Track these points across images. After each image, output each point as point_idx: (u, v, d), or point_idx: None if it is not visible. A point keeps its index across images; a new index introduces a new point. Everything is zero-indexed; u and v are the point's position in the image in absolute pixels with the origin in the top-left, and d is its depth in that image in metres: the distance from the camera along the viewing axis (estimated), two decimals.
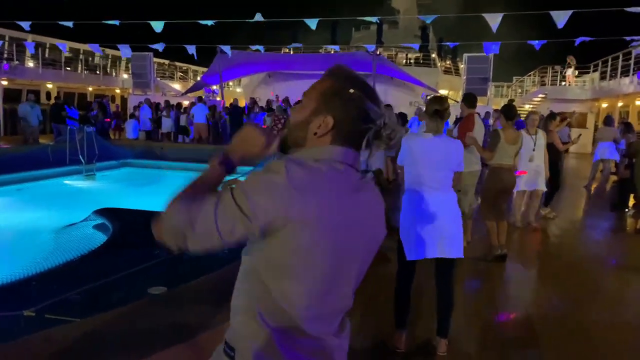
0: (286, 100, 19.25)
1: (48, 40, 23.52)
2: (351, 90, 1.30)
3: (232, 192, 1.15)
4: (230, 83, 31.29)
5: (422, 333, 3.75)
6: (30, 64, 23.51)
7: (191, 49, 16.99)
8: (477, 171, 6.06)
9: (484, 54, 18.44)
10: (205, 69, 27.68)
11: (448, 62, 29.35)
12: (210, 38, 17.97)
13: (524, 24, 30.09)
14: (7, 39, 21.91)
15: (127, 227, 6.16)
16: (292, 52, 26.10)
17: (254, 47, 19.08)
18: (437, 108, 3.36)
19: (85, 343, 2.38)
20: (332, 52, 26.14)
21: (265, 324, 1.20)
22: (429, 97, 4.29)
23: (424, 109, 3.52)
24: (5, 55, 22.00)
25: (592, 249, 6.87)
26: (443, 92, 25.76)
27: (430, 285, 3.61)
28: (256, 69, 25.80)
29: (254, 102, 19.06)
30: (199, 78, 29.79)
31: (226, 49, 18.03)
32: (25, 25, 13.55)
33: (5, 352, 2.25)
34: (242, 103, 22.77)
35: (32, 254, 5.33)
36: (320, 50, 26.45)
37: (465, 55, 20.19)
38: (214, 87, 26.39)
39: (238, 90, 31.50)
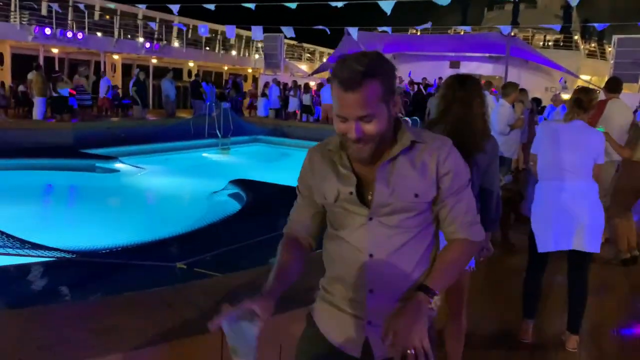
0: (411, 82, 19.00)
1: (191, 22, 25.53)
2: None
3: None
4: None
5: (550, 326, 3.60)
6: (176, 44, 25.74)
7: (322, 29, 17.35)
8: (609, 163, 5.47)
9: (638, 35, 16.54)
10: (332, 51, 28.18)
11: (593, 45, 26.71)
12: (339, 20, 18.21)
13: None
14: (157, 20, 24.20)
15: (259, 197, 6.63)
16: (419, 34, 25.52)
17: (380, 29, 19.01)
18: (579, 97, 3.16)
19: (227, 295, 2.66)
20: (462, 33, 25.12)
21: None
22: (576, 88, 3.97)
23: (560, 94, 3.34)
24: (156, 36, 24.32)
25: None
26: (585, 77, 23.55)
27: (562, 278, 3.45)
28: (382, 51, 25.69)
29: None
30: (325, 59, 30.42)
31: (354, 30, 18.19)
32: (175, 8, 14.82)
33: (168, 295, 2.60)
34: None
35: (181, 216, 5.98)
36: (449, 31, 25.54)
37: (615, 37, 18.23)
38: None
39: None
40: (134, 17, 23.84)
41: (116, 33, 21.87)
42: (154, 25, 22.40)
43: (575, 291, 3.33)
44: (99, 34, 21.55)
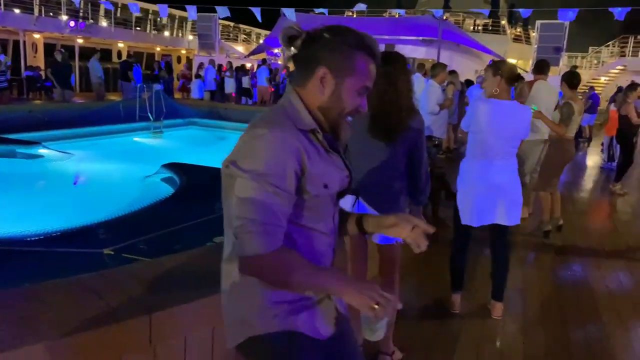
0: None
1: (120, 0, 24.30)
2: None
3: None
4: None
5: (477, 297, 3.78)
6: (104, 23, 24.44)
7: (256, 12, 17.08)
8: (539, 141, 5.80)
9: (558, 21, 17.43)
10: (268, 32, 27.78)
11: (518, 30, 27.90)
12: (275, 1, 17.95)
13: None
14: None
15: (193, 181, 6.47)
16: (355, 16, 25.63)
17: (317, 10, 18.92)
18: (519, 73, 3.27)
19: (156, 279, 2.58)
20: (397, 17, 25.46)
21: None
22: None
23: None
24: (81, 14, 22.97)
25: None
26: (512, 61, 24.62)
27: (486, 251, 3.62)
28: None
29: None
30: (261, 41, 29.96)
31: (290, 12, 18.02)
32: None
33: (92, 282, 2.49)
34: None
35: (110, 201, 5.73)
36: (385, 14, 25.84)
37: (538, 22, 19.14)
38: (277, 50, 26.50)
39: None
40: None
41: (36, 10, 20.45)
42: (78, 3, 21.10)
43: (498, 261, 3.51)
44: (16, 10, 20.07)
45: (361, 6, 17.42)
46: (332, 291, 1.30)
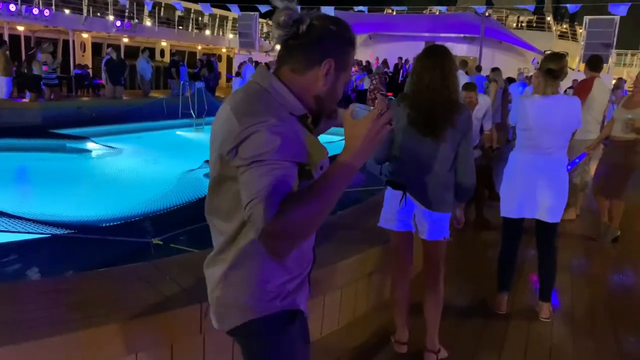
0: (384, 62, 18.96)
1: (164, 0, 24.85)
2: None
3: None
4: None
5: (525, 297, 3.69)
6: (148, 22, 25.07)
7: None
8: (588, 140, 5.54)
9: (608, 16, 16.78)
10: None
11: (565, 26, 27.05)
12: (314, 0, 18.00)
13: None
14: None
15: None
16: (394, 14, 25.42)
17: (357, 8, 18.85)
18: (550, 67, 3.15)
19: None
20: (438, 13, 25.10)
21: None
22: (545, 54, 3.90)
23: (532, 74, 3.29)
24: (127, 14, 23.63)
25: None
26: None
27: (534, 250, 3.53)
28: (358, 30, 25.50)
29: (357, 62, 19.11)
30: None
31: (330, 9, 17.98)
32: None
33: (145, 271, 2.57)
34: None
35: (154, 195, 5.89)
36: (425, 11, 25.52)
37: (586, 17, 18.48)
38: None
39: None
40: None
41: (85, 10, 21.16)
42: (125, 3, 21.74)
43: (544, 261, 3.42)
44: (66, 11, 20.81)
45: (403, 5, 17.24)
46: (353, 170, 1.21)
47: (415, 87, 2.53)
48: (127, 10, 23.30)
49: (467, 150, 2.53)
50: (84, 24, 20.85)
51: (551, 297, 3.42)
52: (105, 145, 9.77)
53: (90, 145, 9.69)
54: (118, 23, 21.92)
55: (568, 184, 3.35)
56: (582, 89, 5.50)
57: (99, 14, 22.44)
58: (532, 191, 3.26)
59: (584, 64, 6.04)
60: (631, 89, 5.32)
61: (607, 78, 16.21)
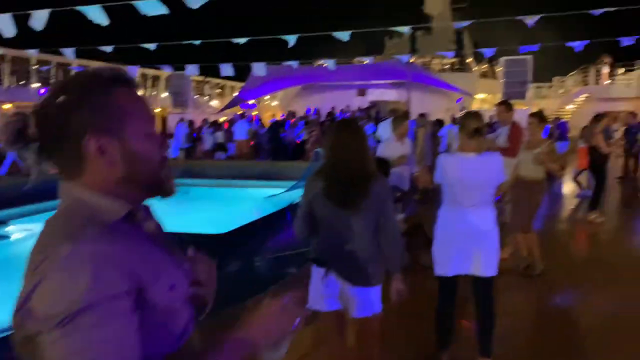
0: (318, 112, 19.36)
1: (92, 64, 24.48)
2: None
3: None
4: (266, 97, 31.69)
5: (465, 353, 3.63)
6: None
7: (225, 68, 17.32)
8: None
9: (523, 56, 17.98)
10: (241, 84, 28.14)
11: (485, 66, 28.78)
12: (244, 55, 18.23)
13: (563, 25, 29.26)
14: (54, 64, 22.92)
15: None
16: (325, 65, 26.14)
17: (288, 63, 19.18)
18: (472, 126, 3.23)
19: None
20: (366, 63, 26.07)
21: None
22: (462, 110, 4.02)
23: (459, 119, 3.39)
24: (53, 80, 23.03)
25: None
26: (480, 96, 25.27)
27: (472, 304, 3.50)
28: (291, 83, 26.05)
29: (292, 114, 19.49)
30: (235, 94, 30.31)
31: (261, 65, 18.26)
32: (69, 52, 14.08)
33: None
34: (277, 116, 23.08)
35: None
36: (354, 61, 26.42)
37: (502, 58, 19.74)
38: (251, 102, 26.80)
39: (274, 104, 31.88)
40: (27, 63, 22.44)
41: (6, 80, 20.44)
42: (49, 70, 21.20)
43: (482, 315, 3.39)
44: None
45: (330, 62, 17.78)
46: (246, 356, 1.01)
47: (330, 160, 2.50)
48: (53, 77, 22.73)
49: (388, 219, 2.49)
50: (5, 94, 20.10)
51: (491, 351, 3.37)
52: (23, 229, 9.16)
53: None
54: (42, 91, 21.28)
55: (498, 236, 3.38)
56: (517, 136, 5.78)
57: (22, 83, 21.74)
58: (464, 247, 3.26)
59: (499, 106, 6.35)
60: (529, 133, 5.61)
61: (527, 112, 17.22)
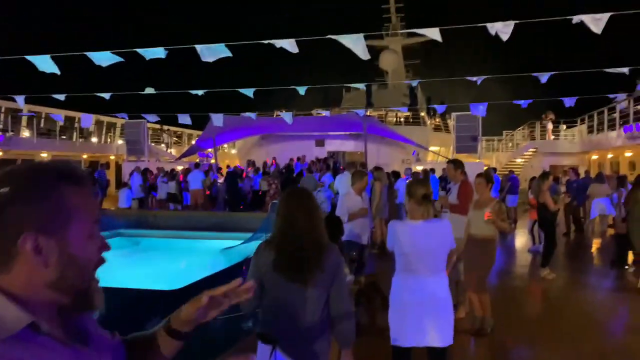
0: (277, 167, 19.48)
1: (43, 110, 23.86)
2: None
3: None
4: (225, 146, 31.60)
5: None
6: (26, 133, 23.73)
7: (183, 118, 17.24)
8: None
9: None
10: (199, 132, 28.01)
11: (437, 120, 29.86)
12: (202, 105, 18.24)
13: (510, 84, 30.99)
14: (2, 110, 22.23)
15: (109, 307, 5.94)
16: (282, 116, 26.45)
17: (246, 114, 19.33)
18: (425, 193, 3.27)
19: None
20: (324, 115, 26.58)
21: None
22: (409, 180, 4.04)
23: (411, 187, 3.39)
24: (1, 126, 22.24)
25: (594, 311, 6.65)
26: (434, 148, 26.04)
27: None
28: (250, 132, 26.14)
29: (252, 163, 19.60)
30: (193, 142, 30.09)
31: (218, 116, 18.30)
32: (20, 99, 13.71)
33: None
34: (235, 165, 22.97)
35: None
36: (312, 113, 26.90)
37: (454, 114, 20.54)
38: (209, 150, 26.62)
39: (233, 152, 31.79)
40: None
41: None
42: None
43: None
44: None
45: (287, 115, 18.04)
46: None
47: (281, 230, 2.43)
48: (0, 123, 21.98)
49: (339, 292, 2.41)
50: None
51: None
52: None
53: None
54: None
55: (452, 304, 3.37)
56: (467, 193, 5.88)
57: None
58: (419, 317, 3.22)
59: (448, 164, 6.51)
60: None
61: (478, 165, 17.83)
